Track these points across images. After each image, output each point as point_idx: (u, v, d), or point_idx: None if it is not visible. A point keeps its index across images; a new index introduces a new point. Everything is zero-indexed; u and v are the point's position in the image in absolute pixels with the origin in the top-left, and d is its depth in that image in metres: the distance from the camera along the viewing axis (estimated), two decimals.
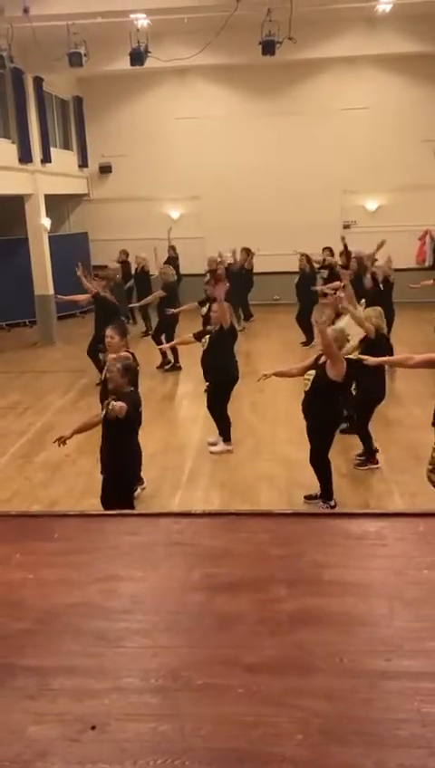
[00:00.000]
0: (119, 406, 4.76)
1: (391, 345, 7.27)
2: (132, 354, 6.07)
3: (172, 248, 15.12)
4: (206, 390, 7.99)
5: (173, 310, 10.58)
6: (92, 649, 1.99)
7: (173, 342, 9.26)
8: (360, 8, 11.63)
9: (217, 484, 6.75)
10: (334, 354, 5.72)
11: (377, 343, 6.67)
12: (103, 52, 11.91)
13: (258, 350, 11.84)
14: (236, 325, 7.97)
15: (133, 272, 14.23)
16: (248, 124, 16.10)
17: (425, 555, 2.51)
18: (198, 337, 7.64)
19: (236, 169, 16.13)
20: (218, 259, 13.12)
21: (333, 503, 6.02)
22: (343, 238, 13.29)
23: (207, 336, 7.47)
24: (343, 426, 7.10)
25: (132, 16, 10.50)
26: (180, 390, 10.29)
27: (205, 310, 9.38)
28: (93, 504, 5.42)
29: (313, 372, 5.89)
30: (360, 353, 6.66)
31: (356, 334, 6.85)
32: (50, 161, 14.07)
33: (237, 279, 13.48)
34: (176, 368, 10.99)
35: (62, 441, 5.28)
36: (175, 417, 9.20)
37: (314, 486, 6.14)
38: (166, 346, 9.56)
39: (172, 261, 14.05)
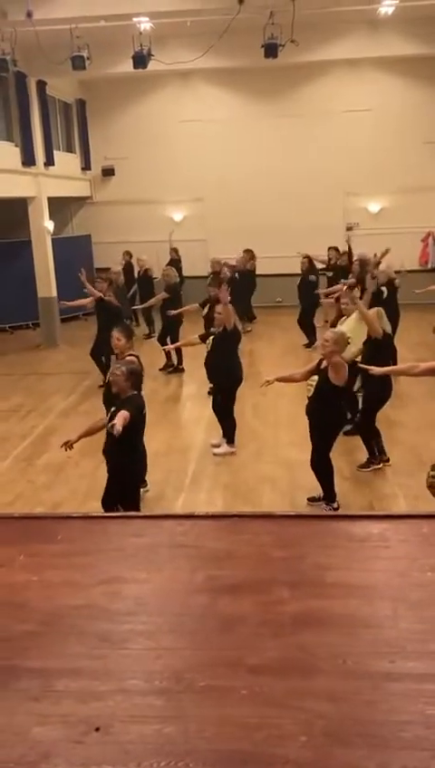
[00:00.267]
0: (116, 431, 4.74)
1: (395, 347, 7.26)
2: (137, 357, 6.09)
3: (175, 250, 15.15)
4: (209, 392, 8.00)
5: (174, 312, 10.60)
6: (97, 651, 1.99)
7: (178, 344, 9.28)
8: (362, 11, 11.65)
9: (221, 487, 6.75)
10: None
11: (382, 344, 6.67)
12: (106, 56, 11.95)
13: (261, 352, 11.84)
14: (239, 327, 7.98)
15: (136, 274, 14.26)
16: (251, 127, 16.13)
17: (429, 557, 2.51)
18: (203, 339, 7.66)
19: (238, 172, 16.15)
20: (223, 262, 13.15)
21: (336, 504, 6.02)
22: (348, 240, 13.26)
23: (211, 338, 7.49)
24: (347, 428, 7.11)
25: (135, 20, 10.53)
26: (184, 392, 10.31)
27: (206, 311, 9.41)
28: (97, 506, 5.43)
29: (314, 378, 5.90)
30: (365, 354, 6.67)
31: (359, 337, 6.85)
32: (53, 164, 14.12)
33: (240, 281, 13.53)
34: (179, 370, 11.00)
35: (68, 446, 5.30)
36: (178, 419, 9.21)
37: (317, 489, 6.14)
38: (171, 347, 9.58)
39: (175, 263, 14.07)
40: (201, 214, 16.76)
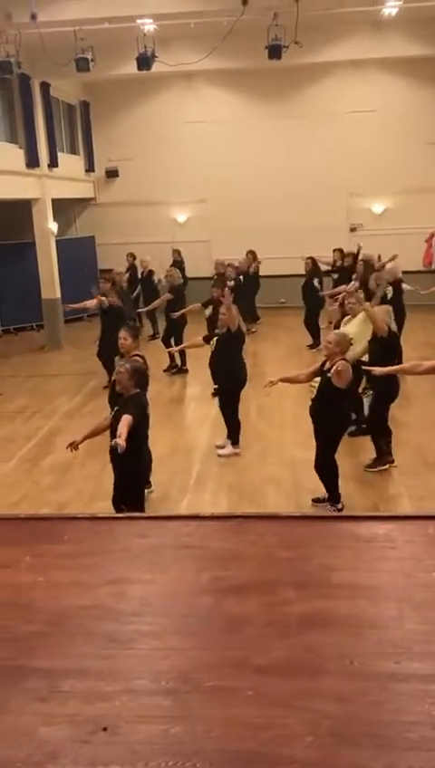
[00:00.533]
0: (120, 449, 4.75)
1: (401, 347, 7.26)
2: (143, 357, 6.11)
3: (177, 252, 15.17)
4: (214, 393, 8.01)
5: (177, 313, 10.60)
6: (103, 651, 2.00)
7: (183, 345, 9.28)
8: (365, 12, 11.64)
9: (225, 488, 6.76)
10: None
11: (389, 343, 6.67)
12: (110, 58, 11.98)
13: (265, 353, 11.85)
14: (243, 328, 7.99)
15: (139, 275, 14.28)
16: (255, 128, 16.14)
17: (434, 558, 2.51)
18: (207, 340, 7.66)
19: (242, 173, 16.16)
20: (227, 264, 13.17)
21: (340, 505, 6.02)
22: (359, 247, 13.15)
23: (215, 339, 7.50)
24: (351, 428, 7.11)
25: (139, 21, 10.54)
26: (187, 393, 10.32)
27: (208, 312, 9.41)
28: (102, 506, 5.44)
29: (317, 380, 5.91)
30: (371, 353, 6.68)
31: (364, 337, 6.86)
32: (57, 166, 14.15)
33: (244, 282, 13.54)
34: (183, 371, 11.01)
35: (73, 446, 5.32)
36: (182, 420, 9.22)
37: (322, 490, 6.14)
38: (175, 349, 9.59)
39: (178, 264, 14.09)
40: (205, 215, 16.78)
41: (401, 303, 9.58)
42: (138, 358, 5.97)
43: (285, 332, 13.50)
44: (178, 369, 11.06)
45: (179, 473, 7.07)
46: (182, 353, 10.86)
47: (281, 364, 10.62)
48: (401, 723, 1.70)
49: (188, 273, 14.53)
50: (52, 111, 14.17)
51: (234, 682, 1.85)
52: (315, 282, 12.31)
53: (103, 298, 9.80)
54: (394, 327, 6.92)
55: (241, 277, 13.48)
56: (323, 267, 12.90)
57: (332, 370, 5.74)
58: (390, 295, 9.13)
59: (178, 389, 10.48)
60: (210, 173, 16.29)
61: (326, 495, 6.11)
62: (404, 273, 10.58)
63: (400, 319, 8.86)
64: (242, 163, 16.19)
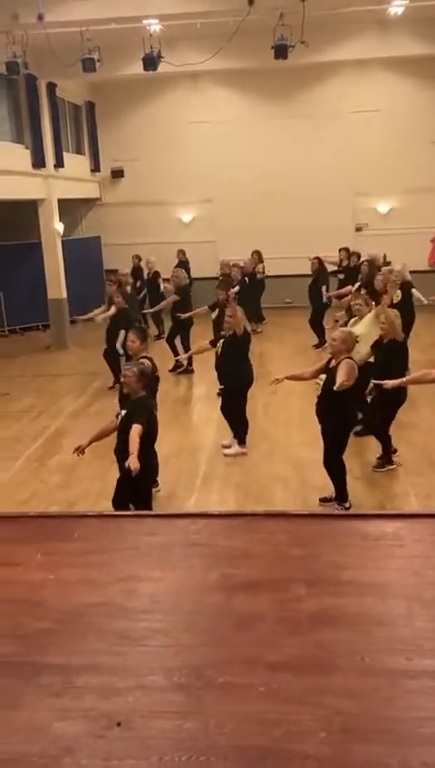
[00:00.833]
0: (134, 471, 4.78)
1: (408, 350, 7.24)
2: (151, 359, 6.13)
3: (182, 252, 15.18)
4: (219, 393, 8.00)
5: (184, 315, 10.61)
6: (115, 648, 2.01)
7: (191, 352, 9.14)
8: (371, 11, 11.63)
9: (232, 487, 6.76)
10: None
11: (396, 347, 6.67)
12: (116, 58, 11.99)
13: (271, 353, 11.84)
14: (249, 329, 7.99)
15: (145, 277, 14.29)
16: (260, 128, 16.13)
17: None
18: (214, 344, 7.67)
19: (247, 173, 16.16)
20: (232, 264, 13.16)
21: (347, 504, 6.02)
22: (384, 257, 13.04)
23: (221, 342, 7.49)
24: (358, 428, 7.10)
25: (145, 22, 10.55)
26: (194, 393, 10.33)
27: (215, 315, 9.41)
28: (109, 506, 5.44)
29: (322, 377, 5.90)
30: (378, 357, 6.67)
31: (371, 338, 6.85)
32: (63, 166, 14.17)
33: (249, 282, 13.54)
34: (188, 371, 11.01)
35: (80, 451, 5.34)
36: (188, 420, 9.22)
37: (329, 489, 6.14)
38: (184, 357, 9.49)
39: (183, 265, 14.09)
40: (210, 215, 16.78)
41: (411, 306, 9.53)
42: (146, 360, 5.98)
43: (290, 332, 13.49)
44: (183, 369, 11.06)
45: (186, 472, 7.08)
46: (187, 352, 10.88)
47: (287, 364, 10.60)
48: (413, 719, 1.71)
49: (194, 274, 14.53)
50: (58, 112, 14.19)
51: (246, 678, 1.86)
52: (323, 290, 12.25)
53: (104, 313, 9.86)
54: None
55: (246, 278, 13.47)
56: (330, 267, 12.88)
57: (337, 365, 5.74)
58: (397, 299, 9.10)
59: (184, 389, 10.49)
60: (216, 173, 16.29)
61: (333, 494, 6.12)
62: (410, 272, 10.54)
63: (408, 322, 8.84)
64: (247, 163, 16.18)
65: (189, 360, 11.00)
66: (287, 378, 6.27)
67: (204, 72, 13.65)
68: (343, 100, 15.88)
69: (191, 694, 1.81)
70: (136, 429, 4.94)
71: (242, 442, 7.60)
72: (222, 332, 7.64)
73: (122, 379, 5.39)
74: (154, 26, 10.77)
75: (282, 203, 16.04)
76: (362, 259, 12.36)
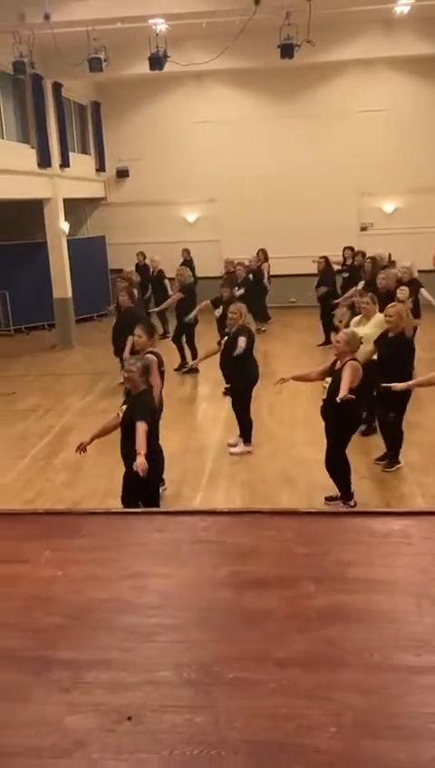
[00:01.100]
0: (143, 473, 4.82)
1: (414, 348, 7.23)
2: (158, 354, 6.15)
3: (187, 251, 15.19)
4: (225, 392, 8.02)
5: (190, 315, 10.55)
6: (125, 644, 2.02)
7: (201, 358, 8.88)
8: (377, 10, 11.63)
9: (238, 486, 6.77)
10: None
11: (401, 343, 6.66)
12: (122, 58, 12.01)
13: (276, 352, 11.85)
14: (252, 328, 7.99)
15: (150, 274, 14.30)
16: (265, 127, 16.14)
17: None
18: (219, 344, 7.68)
19: (252, 172, 16.16)
20: (236, 263, 13.17)
21: (353, 503, 6.02)
22: (389, 257, 13.01)
23: (225, 339, 7.49)
24: (362, 428, 7.11)
25: (151, 21, 10.57)
26: (199, 392, 10.34)
27: (218, 312, 9.40)
28: (115, 504, 5.46)
29: (328, 379, 5.90)
30: (383, 353, 6.66)
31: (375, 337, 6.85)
32: (68, 166, 14.20)
33: (254, 281, 13.54)
34: (193, 370, 11.02)
35: (82, 449, 5.35)
36: (194, 419, 9.23)
37: (335, 488, 6.14)
38: (195, 363, 9.41)
39: (187, 264, 14.11)
40: (215, 215, 16.79)
41: (418, 304, 9.51)
42: (152, 355, 6.00)
43: (295, 332, 13.50)
44: (189, 368, 11.07)
45: (192, 471, 7.09)
46: (193, 352, 10.88)
47: (292, 363, 10.61)
48: (423, 714, 1.71)
49: (198, 273, 14.53)
50: (63, 112, 14.23)
51: (256, 674, 1.87)
52: (317, 290, 12.26)
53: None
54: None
55: (251, 276, 13.47)
56: (335, 267, 12.87)
57: (343, 367, 5.75)
58: (404, 297, 9.07)
59: (189, 389, 10.50)
60: (220, 173, 16.30)
61: (339, 494, 6.12)
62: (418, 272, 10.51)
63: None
64: (252, 163, 16.19)
65: (195, 358, 11.00)
66: (293, 378, 6.27)
67: (209, 71, 13.66)
68: (348, 99, 15.88)
69: (201, 689, 1.82)
70: (142, 428, 4.95)
71: (247, 441, 7.60)
72: (226, 330, 7.65)
73: (125, 374, 5.36)
74: (160, 26, 10.78)
75: (286, 202, 16.04)
76: (366, 257, 12.36)
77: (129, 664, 1.94)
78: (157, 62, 10.98)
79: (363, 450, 7.08)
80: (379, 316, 7.17)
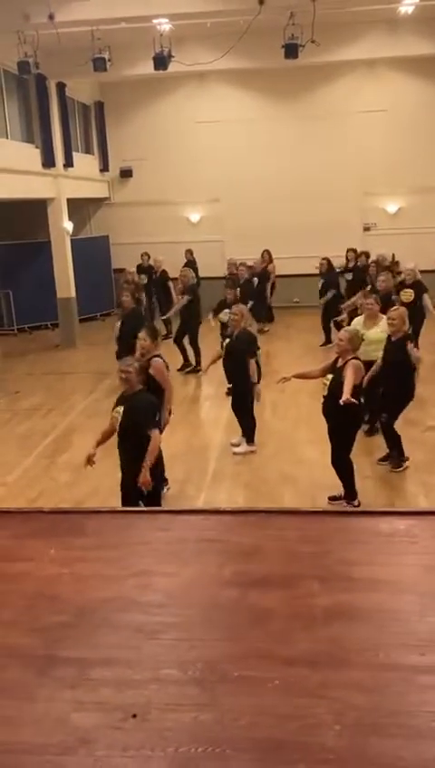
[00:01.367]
0: (145, 487, 4.93)
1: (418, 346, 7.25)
2: (162, 356, 6.16)
3: (190, 251, 15.19)
4: (228, 393, 8.02)
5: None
6: (130, 642, 2.03)
7: (208, 366, 8.74)
8: (381, 11, 11.63)
9: (241, 485, 6.78)
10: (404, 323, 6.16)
11: (404, 344, 6.67)
12: (126, 58, 12.03)
13: (279, 352, 11.85)
14: (254, 328, 7.98)
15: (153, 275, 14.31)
16: (268, 127, 16.14)
17: None
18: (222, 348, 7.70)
19: (256, 172, 16.17)
20: (239, 263, 13.16)
21: (356, 503, 6.03)
22: (393, 257, 12.97)
23: (227, 341, 7.47)
24: (364, 428, 7.11)
25: (155, 21, 10.58)
26: (202, 393, 10.35)
27: (225, 316, 9.38)
28: (118, 504, 5.46)
29: (329, 377, 5.90)
30: (385, 354, 6.67)
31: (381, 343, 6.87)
32: (72, 166, 14.23)
33: (260, 281, 13.54)
34: (196, 370, 11.04)
35: (91, 462, 5.33)
36: (197, 418, 9.24)
37: (338, 487, 6.15)
38: (203, 372, 9.33)
39: (190, 264, 14.12)
40: (218, 215, 16.80)
41: (421, 307, 9.51)
42: (158, 358, 6.02)
43: (297, 332, 13.50)
44: (192, 368, 11.09)
45: (195, 471, 7.10)
46: (197, 353, 10.90)
47: (294, 363, 10.59)
48: (427, 714, 1.71)
49: (202, 273, 14.56)
50: (67, 112, 14.25)
51: (260, 672, 1.87)
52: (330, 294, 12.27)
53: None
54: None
55: (256, 278, 13.48)
56: (337, 269, 12.86)
57: (344, 365, 5.76)
58: (408, 299, 9.09)
59: (192, 389, 10.50)
60: (224, 173, 16.31)
61: (342, 493, 6.12)
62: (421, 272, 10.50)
63: (417, 322, 8.86)
64: (255, 163, 16.20)
65: (198, 360, 11.03)
66: (295, 376, 6.29)
67: (212, 71, 13.69)
68: (351, 99, 15.88)
69: (206, 687, 1.82)
70: (156, 438, 5.04)
71: (250, 440, 7.61)
72: (227, 331, 7.66)
73: (123, 376, 5.27)
74: (164, 26, 10.79)
75: (290, 203, 16.04)
76: (370, 260, 12.37)
77: (134, 662, 1.94)
78: (161, 62, 11.00)
79: (367, 450, 7.08)
80: (386, 319, 7.18)
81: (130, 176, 17.16)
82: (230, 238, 16.33)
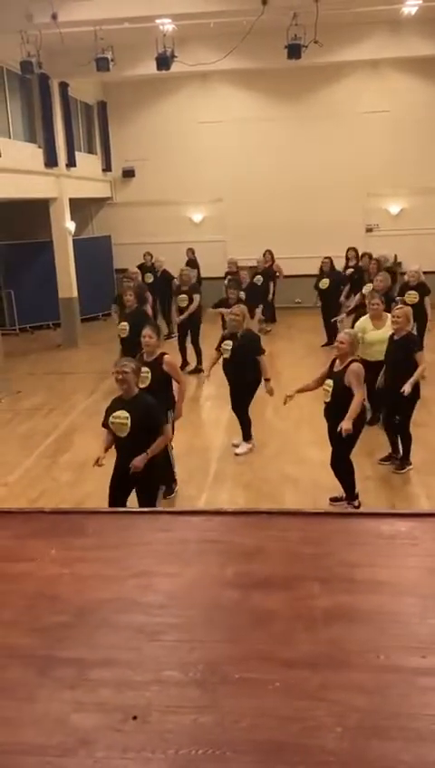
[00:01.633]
0: (136, 467, 4.97)
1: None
2: (166, 354, 6.21)
3: (191, 251, 15.18)
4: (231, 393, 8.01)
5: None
6: (131, 643, 2.02)
7: (208, 368, 8.66)
8: (384, 11, 11.62)
9: (242, 486, 6.78)
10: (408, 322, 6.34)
11: (408, 343, 6.67)
12: (129, 58, 12.04)
13: (281, 353, 11.85)
14: (255, 329, 7.99)
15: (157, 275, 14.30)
16: (271, 127, 16.14)
17: None
18: (217, 349, 7.66)
19: (258, 173, 16.16)
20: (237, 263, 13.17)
21: (357, 503, 6.02)
22: (395, 258, 12.96)
23: (230, 346, 7.40)
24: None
25: (158, 21, 10.58)
26: (203, 393, 10.33)
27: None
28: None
29: (329, 382, 5.88)
30: (389, 353, 6.67)
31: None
32: (75, 165, 14.23)
33: (264, 281, 13.54)
34: (197, 370, 11.03)
35: (100, 463, 5.30)
36: (198, 419, 9.23)
37: (339, 488, 6.14)
38: (205, 375, 9.31)
39: (192, 263, 14.11)
40: (221, 215, 16.80)
41: (424, 309, 9.50)
42: (167, 356, 6.08)
43: (299, 332, 13.49)
44: (194, 368, 11.08)
45: (196, 471, 7.09)
46: (198, 353, 10.89)
47: (297, 364, 10.62)
48: (428, 716, 1.71)
49: (204, 273, 14.56)
50: (70, 111, 14.26)
51: (262, 674, 1.87)
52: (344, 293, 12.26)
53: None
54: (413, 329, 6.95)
55: (260, 276, 13.47)
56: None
57: (345, 369, 5.77)
58: (413, 300, 9.09)
59: (193, 389, 10.48)
60: (226, 173, 16.31)
61: (344, 494, 6.11)
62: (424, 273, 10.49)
63: (421, 324, 8.85)
64: (258, 163, 16.19)
65: (199, 359, 11.02)
66: (297, 392, 6.28)
67: (215, 71, 13.69)
68: (354, 100, 15.87)
69: (207, 689, 1.82)
70: (167, 434, 5.13)
71: (248, 437, 7.60)
72: (224, 332, 7.62)
73: (120, 377, 5.17)
74: (167, 26, 10.79)
75: (292, 203, 16.03)
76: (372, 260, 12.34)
77: (134, 663, 1.94)
78: (164, 62, 11.00)
79: (369, 451, 7.06)
80: (391, 319, 7.17)
81: (133, 176, 17.16)
82: (232, 238, 16.32)
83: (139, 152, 16.81)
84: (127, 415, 5.08)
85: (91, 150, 16.59)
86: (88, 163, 15.70)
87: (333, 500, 6.17)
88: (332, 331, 12.06)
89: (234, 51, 10.75)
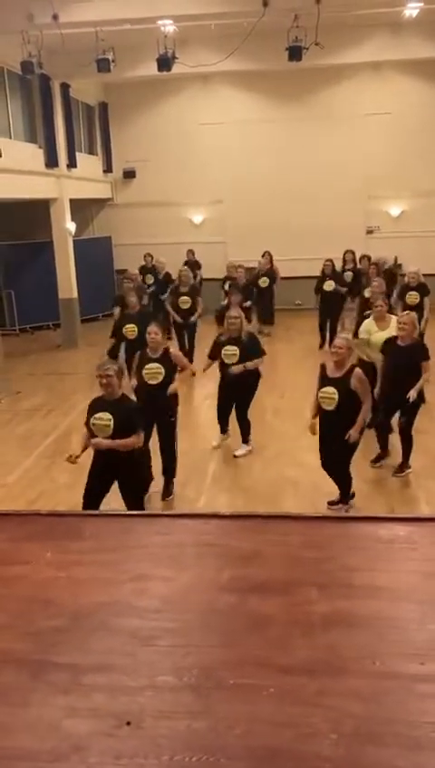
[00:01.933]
0: (99, 446, 4.94)
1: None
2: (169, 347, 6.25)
3: (191, 252, 15.17)
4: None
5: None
6: (126, 647, 2.00)
7: (205, 369, 8.74)
8: (386, 13, 11.62)
9: (241, 489, 6.76)
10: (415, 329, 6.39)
11: (414, 349, 6.66)
12: (130, 59, 12.03)
13: (280, 355, 11.83)
14: (254, 331, 7.98)
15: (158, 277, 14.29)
16: (272, 129, 16.13)
17: None
18: (212, 356, 7.60)
19: (259, 174, 16.16)
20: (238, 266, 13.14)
21: (352, 502, 6.04)
22: (395, 260, 12.99)
23: (232, 348, 7.36)
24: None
25: (159, 23, 10.57)
26: (203, 393, 10.30)
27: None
28: (117, 506, 5.45)
29: (330, 390, 5.83)
30: (394, 359, 6.65)
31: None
32: (75, 166, 14.23)
33: (269, 282, 13.53)
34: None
35: (73, 460, 5.29)
36: (197, 420, 9.20)
37: (338, 492, 6.12)
38: (204, 367, 9.32)
39: (191, 264, 14.10)
40: (221, 216, 16.80)
41: (422, 308, 9.49)
42: (174, 350, 6.12)
43: (299, 334, 13.48)
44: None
45: (195, 473, 7.07)
46: (191, 353, 10.89)
47: (296, 366, 10.62)
48: (426, 724, 1.69)
49: (204, 275, 14.55)
50: (71, 112, 14.26)
51: (257, 680, 1.85)
52: (339, 288, 12.25)
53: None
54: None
55: (265, 278, 13.46)
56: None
57: (348, 375, 5.76)
58: (414, 301, 9.09)
59: (190, 390, 10.47)
60: (227, 174, 16.31)
61: (339, 497, 6.10)
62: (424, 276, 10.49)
63: (422, 325, 8.85)
64: (259, 165, 16.19)
65: (190, 359, 11.01)
66: (313, 417, 6.14)
67: (216, 73, 13.69)
68: (355, 102, 15.86)
69: (202, 694, 1.80)
70: (138, 441, 5.08)
71: (246, 440, 7.58)
72: (221, 336, 7.57)
73: (103, 381, 5.19)
74: (168, 27, 10.79)
75: (293, 205, 16.03)
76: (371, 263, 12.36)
77: (129, 668, 1.92)
78: (165, 63, 11.00)
79: (366, 455, 7.04)
80: (395, 320, 7.16)
81: (134, 177, 17.16)
82: (233, 240, 16.32)
83: (139, 153, 16.81)
84: (110, 417, 5.11)
85: (91, 151, 16.59)
86: (89, 164, 15.70)
87: (332, 504, 6.15)
88: (325, 334, 12.08)
89: (235, 52, 10.74)
